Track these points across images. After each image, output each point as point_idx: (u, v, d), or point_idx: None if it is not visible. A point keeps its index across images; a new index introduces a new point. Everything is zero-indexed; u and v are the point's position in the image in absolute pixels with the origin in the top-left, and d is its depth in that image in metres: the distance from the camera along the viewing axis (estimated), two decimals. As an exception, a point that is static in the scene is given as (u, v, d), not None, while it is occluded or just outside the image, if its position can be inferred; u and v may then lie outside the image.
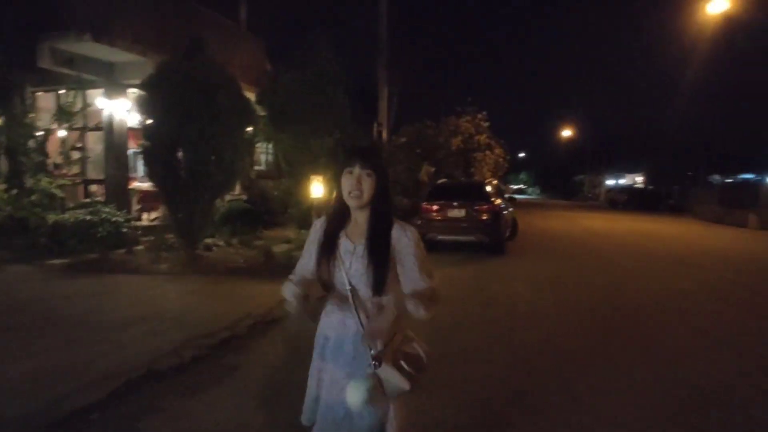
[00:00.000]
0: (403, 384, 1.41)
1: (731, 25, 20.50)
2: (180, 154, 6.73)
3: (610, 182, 55.29)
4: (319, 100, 9.31)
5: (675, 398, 3.13)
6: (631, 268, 8.15)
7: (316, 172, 7.94)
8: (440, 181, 11.73)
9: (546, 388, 3.27)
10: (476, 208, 8.76)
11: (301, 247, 6.66)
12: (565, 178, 62.67)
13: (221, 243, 8.48)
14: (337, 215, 1.57)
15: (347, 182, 1.48)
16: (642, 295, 6.12)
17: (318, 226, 1.63)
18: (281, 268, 7.02)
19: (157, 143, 6.80)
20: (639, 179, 50.40)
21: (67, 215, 7.43)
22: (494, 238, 8.83)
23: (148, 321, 4.22)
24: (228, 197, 9.45)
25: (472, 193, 9.26)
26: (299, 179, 9.43)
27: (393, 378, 1.41)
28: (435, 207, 8.96)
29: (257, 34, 12.66)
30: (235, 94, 7.12)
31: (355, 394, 1.37)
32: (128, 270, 6.38)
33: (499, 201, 9.30)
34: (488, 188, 9.55)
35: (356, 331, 1.50)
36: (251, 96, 8.61)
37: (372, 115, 14.95)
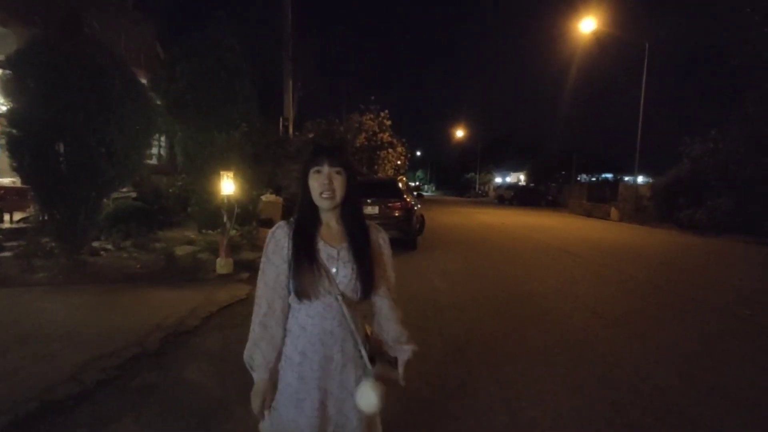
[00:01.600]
0: (397, 377, 1.45)
1: (599, 43, 23.45)
2: (60, 145, 5.81)
3: (498, 180, 60.23)
4: (223, 90, 8.68)
5: (591, 376, 3.45)
6: (528, 259, 8.89)
7: (224, 168, 7.41)
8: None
9: (479, 376, 3.40)
10: (390, 205, 8.88)
11: (206, 249, 6.12)
12: (457, 176, 66.89)
13: (110, 246, 7.51)
14: (308, 219, 1.46)
15: (317, 183, 1.40)
16: (543, 283, 6.70)
17: (280, 234, 1.46)
18: (186, 271, 6.43)
19: (29, 132, 5.79)
20: (522, 177, 55.61)
21: None
22: (407, 234, 9.03)
23: (31, 342, 3.56)
24: (114, 194, 8.41)
25: (385, 190, 9.36)
26: (201, 175, 8.72)
27: (388, 373, 1.44)
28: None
29: (146, 14, 11.44)
30: (127, 78, 6.34)
31: (367, 397, 1.35)
32: (-8, 282, 5.33)
33: (410, 198, 9.53)
34: (400, 185, 9.74)
35: (344, 338, 1.43)
36: (142, 82, 7.72)
37: (276, 109, 14.40)
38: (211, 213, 8.62)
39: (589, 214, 23.44)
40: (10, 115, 5.87)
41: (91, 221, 6.46)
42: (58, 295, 4.97)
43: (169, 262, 6.66)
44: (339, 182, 1.40)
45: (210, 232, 8.44)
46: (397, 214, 8.96)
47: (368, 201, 8.82)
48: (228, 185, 6.26)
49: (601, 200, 24.96)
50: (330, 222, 1.46)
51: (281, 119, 13.40)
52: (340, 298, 1.40)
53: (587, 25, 20.97)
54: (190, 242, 8.22)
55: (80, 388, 2.94)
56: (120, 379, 3.14)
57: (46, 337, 3.69)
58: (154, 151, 12.06)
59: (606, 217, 21.58)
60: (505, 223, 17.58)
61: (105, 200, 7.42)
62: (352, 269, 1.42)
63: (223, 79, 8.65)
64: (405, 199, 9.15)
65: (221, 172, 6.33)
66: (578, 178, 41.53)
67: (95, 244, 7.24)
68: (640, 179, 26.16)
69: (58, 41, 5.85)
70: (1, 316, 4.23)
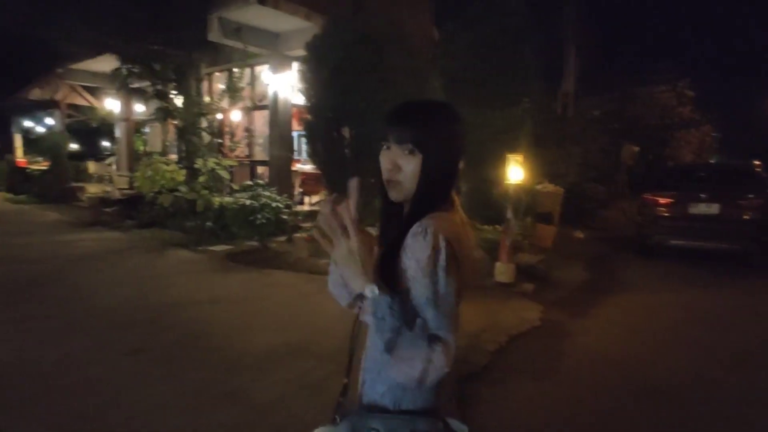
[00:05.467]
0: None
1: None
2: (345, 129, 5.63)
3: None
4: (502, 61, 7.44)
5: None
6: None
7: (502, 151, 6.20)
8: (670, 163, 8.90)
9: None
10: (740, 202, 5.98)
11: (478, 247, 4.66)
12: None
13: (383, 234, 7.31)
14: (382, 206, 1.07)
15: (383, 166, 0.98)
16: None
17: None
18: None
19: (320, 117, 5.80)
20: None
21: (231, 199, 7.01)
22: (764, 248, 5.94)
23: (301, 355, 3.03)
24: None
25: (733, 181, 6.45)
26: (474, 160, 7.75)
27: None
28: (666, 200, 6.41)
29: (425, -4, 11.15)
30: (406, 51, 5.74)
31: None
32: (285, 265, 5.50)
33: (772, 193, 6.28)
34: (757, 173, 6.55)
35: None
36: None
37: (551, 82, 12.41)
38: (482, 203, 7.60)
39: None
40: (308, 104, 6.03)
41: (369, 208, 6.20)
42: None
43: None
44: (411, 167, 0.94)
45: (480, 226, 7.41)
46: (748, 217, 5.98)
47: (702, 196, 6.14)
48: (516, 172, 4.95)
49: None
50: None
51: (560, 94, 11.42)
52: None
53: None
54: (460, 235, 7.39)
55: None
56: None
57: (317, 348, 3.13)
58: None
59: None
60: None
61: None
62: None
63: (503, 48, 7.41)
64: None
65: (508, 156, 5.06)
66: None
67: (371, 231, 7.13)
68: None
69: (346, 21, 5.63)
70: (283, 310, 4.02)
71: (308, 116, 6.11)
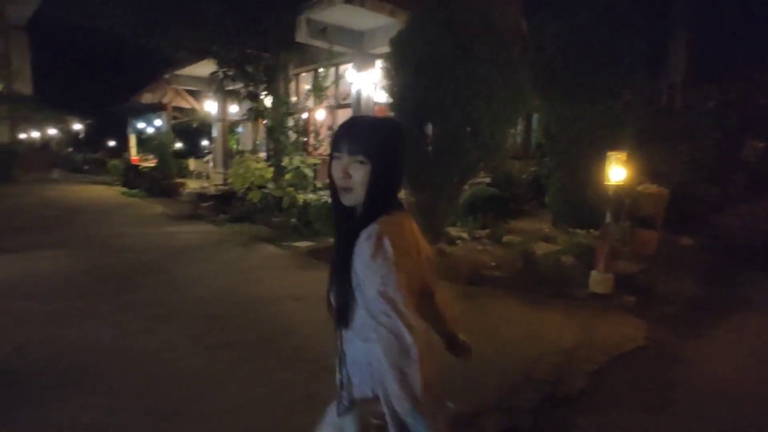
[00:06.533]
0: None
1: None
2: (428, 126, 5.49)
3: None
4: (601, 49, 6.81)
5: None
6: None
7: (599, 148, 5.68)
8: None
9: None
10: None
11: (569, 252, 4.24)
12: None
13: (465, 235, 7.05)
14: (340, 216, 1.17)
15: (335, 174, 1.11)
16: None
17: None
18: (548, 280, 5.10)
19: (402, 114, 5.69)
20: None
21: (315, 196, 7.18)
22: None
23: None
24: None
25: None
26: (565, 158, 7.22)
27: None
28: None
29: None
30: (497, 43, 5.42)
31: None
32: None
33: None
34: None
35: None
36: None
37: (655, 70, 11.21)
38: (573, 204, 7.06)
39: None
40: (390, 100, 5.97)
41: (450, 207, 6.03)
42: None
43: (527, 263, 5.52)
44: (360, 175, 1.07)
45: (572, 230, 6.88)
46: None
47: None
48: (618, 172, 4.47)
49: None
50: None
51: (665, 84, 10.29)
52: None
53: None
54: (547, 238, 6.90)
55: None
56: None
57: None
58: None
59: None
60: None
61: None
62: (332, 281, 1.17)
63: (602, 35, 6.78)
64: None
65: (609, 154, 4.59)
66: None
67: (452, 231, 6.92)
68: None
69: (433, 13, 5.45)
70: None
71: (390, 114, 6.06)
